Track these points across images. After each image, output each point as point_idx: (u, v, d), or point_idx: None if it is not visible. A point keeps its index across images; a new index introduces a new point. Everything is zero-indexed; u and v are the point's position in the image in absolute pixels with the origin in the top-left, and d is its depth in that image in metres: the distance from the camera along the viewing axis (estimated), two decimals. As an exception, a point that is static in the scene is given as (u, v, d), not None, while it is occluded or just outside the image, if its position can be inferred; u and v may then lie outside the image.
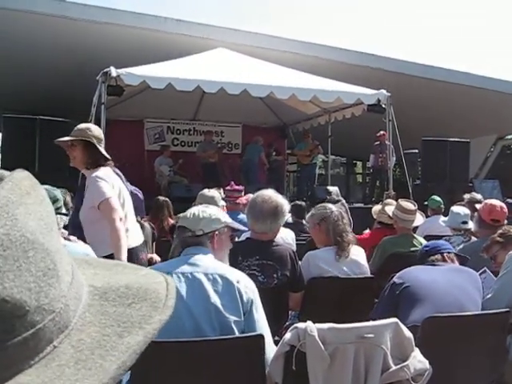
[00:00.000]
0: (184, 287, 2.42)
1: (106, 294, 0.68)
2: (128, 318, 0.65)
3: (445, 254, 3.30)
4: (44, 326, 0.57)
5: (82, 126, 3.87)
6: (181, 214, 2.78)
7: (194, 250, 2.59)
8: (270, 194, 3.58)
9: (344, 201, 7.46)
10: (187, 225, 2.64)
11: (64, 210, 3.31)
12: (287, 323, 3.69)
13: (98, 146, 3.74)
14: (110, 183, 3.68)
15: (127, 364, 0.61)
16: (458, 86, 14.64)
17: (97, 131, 3.84)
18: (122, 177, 4.01)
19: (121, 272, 0.74)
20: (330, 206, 4.00)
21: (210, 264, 2.54)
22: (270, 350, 2.42)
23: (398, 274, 3.23)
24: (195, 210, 2.70)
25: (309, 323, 2.29)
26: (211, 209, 2.75)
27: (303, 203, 7.26)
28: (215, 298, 2.41)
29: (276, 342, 3.11)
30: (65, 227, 3.44)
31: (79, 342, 0.61)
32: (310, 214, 4.06)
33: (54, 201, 3.18)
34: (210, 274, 2.47)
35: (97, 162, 3.78)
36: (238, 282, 2.49)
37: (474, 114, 15.48)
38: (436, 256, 3.30)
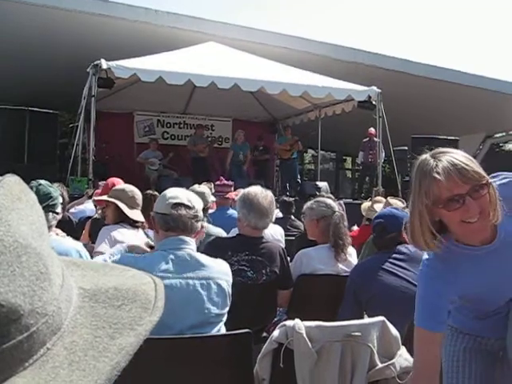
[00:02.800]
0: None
1: (95, 295, 0.68)
2: (119, 320, 0.66)
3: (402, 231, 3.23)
4: (38, 329, 0.58)
5: (119, 186, 4.10)
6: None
7: None
8: (261, 189, 3.60)
9: (333, 197, 7.48)
10: None
11: (59, 208, 3.31)
12: (275, 319, 3.71)
13: (125, 209, 3.91)
14: (112, 241, 3.78)
15: (121, 365, 0.62)
16: (448, 83, 14.70)
17: (130, 193, 3.99)
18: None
19: (108, 273, 0.75)
20: (330, 203, 3.98)
21: None
22: None
23: (357, 276, 3.27)
24: None
25: (297, 321, 2.31)
26: None
27: (291, 199, 7.29)
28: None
29: (264, 339, 3.14)
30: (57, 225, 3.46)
31: (72, 343, 0.62)
32: (308, 206, 3.98)
33: (49, 198, 3.17)
34: None
35: (123, 222, 3.96)
36: None
37: (463, 112, 15.56)
38: (393, 234, 3.28)
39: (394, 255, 3.25)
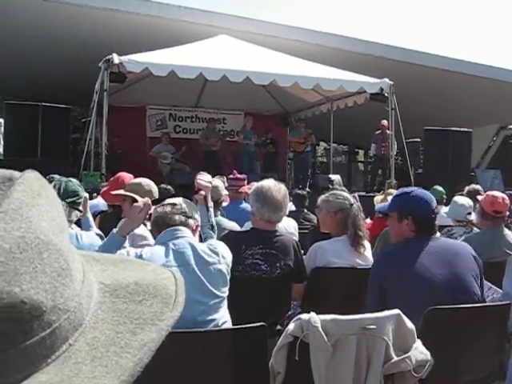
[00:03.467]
0: None
1: (116, 291, 0.68)
2: (140, 315, 0.66)
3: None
4: (60, 326, 0.59)
5: (136, 180, 4.10)
6: None
7: None
8: (275, 182, 3.60)
9: (347, 190, 7.46)
10: None
11: (81, 207, 3.45)
12: (289, 313, 3.72)
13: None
14: (131, 236, 3.77)
15: (144, 361, 0.62)
16: (462, 75, 14.59)
17: (147, 186, 4.01)
18: None
19: (128, 268, 0.75)
20: (347, 195, 3.96)
21: None
22: None
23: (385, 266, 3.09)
24: None
25: (312, 314, 2.30)
26: None
27: (304, 192, 7.27)
28: None
29: (278, 332, 3.15)
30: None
31: (94, 339, 0.62)
32: (324, 199, 3.94)
33: (75, 195, 3.31)
34: None
35: None
36: None
37: (476, 104, 15.43)
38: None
39: (423, 243, 3.13)
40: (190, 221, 2.77)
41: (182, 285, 0.73)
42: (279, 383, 2.38)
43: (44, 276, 0.57)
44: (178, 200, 2.84)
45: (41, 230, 0.58)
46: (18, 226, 0.57)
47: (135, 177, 4.74)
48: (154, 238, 2.84)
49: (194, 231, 2.83)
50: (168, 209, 2.73)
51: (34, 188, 0.61)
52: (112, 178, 4.99)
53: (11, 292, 0.54)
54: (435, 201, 3.22)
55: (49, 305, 0.57)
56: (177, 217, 2.71)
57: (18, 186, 0.60)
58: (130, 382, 0.61)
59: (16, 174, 0.63)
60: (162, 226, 2.71)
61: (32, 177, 0.63)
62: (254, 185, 3.75)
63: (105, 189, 4.96)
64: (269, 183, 3.57)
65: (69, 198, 3.38)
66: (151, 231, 2.86)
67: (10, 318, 0.54)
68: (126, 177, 4.66)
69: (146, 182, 4.04)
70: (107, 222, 4.29)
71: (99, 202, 6.79)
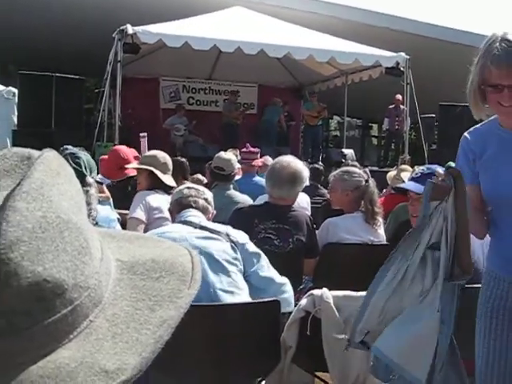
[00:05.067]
0: None
1: (133, 267, 0.69)
2: (158, 292, 0.66)
3: None
4: (81, 303, 0.59)
5: (150, 153, 4.09)
6: None
7: None
8: (289, 160, 3.59)
9: (358, 165, 7.42)
10: None
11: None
12: (301, 287, 3.74)
13: (160, 174, 3.91)
14: (147, 207, 3.77)
15: (164, 338, 0.63)
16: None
17: (162, 159, 4.00)
18: None
19: (144, 245, 0.75)
20: (360, 172, 3.93)
21: None
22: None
23: None
24: None
25: (324, 290, 2.33)
26: None
27: (321, 167, 7.24)
28: None
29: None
30: None
31: (113, 316, 0.63)
32: (338, 178, 3.91)
33: (92, 171, 3.36)
34: None
35: (157, 189, 3.95)
36: None
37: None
38: None
39: None
40: (210, 208, 2.85)
41: (198, 262, 0.73)
42: (290, 357, 2.41)
43: (65, 255, 0.58)
44: (201, 187, 2.94)
45: (61, 209, 0.59)
46: (40, 206, 0.57)
47: (148, 148, 4.74)
48: (172, 216, 2.88)
49: (209, 219, 2.89)
50: (193, 192, 2.81)
51: (53, 167, 0.62)
52: (110, 153, 4.90)
53: (35, 271, 0.55)
54: None
55: (70, 283, 0.58)
56: (200, 201, 2.78)
57: (38, 165, 0.60)
58: (151, 359, 0.61)
59: (34, 152, 0.63)
60: (184, 207, 2.76)
61: (51, 156, 0.63)
62: (271, 160, 3.76)
63: (103, 158, 4.87)
64: (284, 160, 3.57)
65: (92, 173, 3.42)
66: (170, 209, 2.91)
67: (34, 297, 0.55)
68: (126, 150, 4.64)
69: (161, 154, 4.05)
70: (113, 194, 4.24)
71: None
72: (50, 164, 0.62)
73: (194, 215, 2.68)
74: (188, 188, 2.87)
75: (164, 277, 0.68)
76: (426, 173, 3.23)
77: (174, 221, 2.87)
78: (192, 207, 2.74)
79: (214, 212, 2.93)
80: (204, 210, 2.77)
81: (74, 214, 0.61)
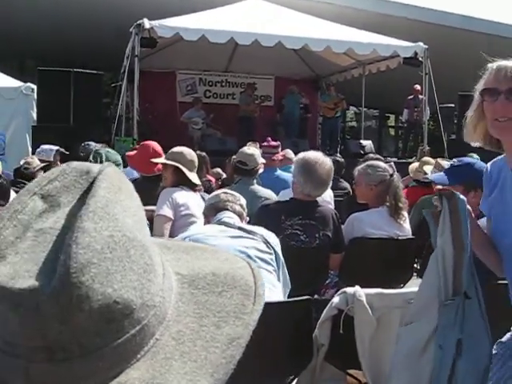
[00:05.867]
0: None
1: (194, 281, 0.67)
2: (222, 308, 0.65)
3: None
4: (148, 322, 0.59)
5: (177, 149, 4.05)
6: None
7: None
8: (322, 158, 3.56)
9: (382, 158, 7.35)
10: None
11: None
12: (327, 282, 3.75)
13: (186, 171, 3.89)
14: (174, 204, 3.75)
15: (236, 358, 0.61)
16: (499, 38, 14.19)
17: (189, 156, 3.99)
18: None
19: (201, 257, 0.73)
20: (385, 166, 3.90)
21: None
22: None
23: None
24: None
25: (357, 288, 2.32)
26: None
27: (342, 159, 7.17)
28: None
29: (316, 301, 3.17)
30: None
31: (179, 333, 0.62)
32: (362, 172, 3.88)
33: (117, 165, 3.40)
34: None
35: (183, 185, 3.92)
36: None
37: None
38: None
39: None
40: (244, 214, 2.88)
41: (260, 275, 0.72)
42: (323, 355, 2.41)
43: (132, 274, 0.57)
44: (237, 193, 2.97)
45: (126, 227, 0.58)
46: (107, 225, 0.56)
47: (166, 142, 4.72)
48: (206, 219, 2.92)
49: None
50: (230, 197, 2.84)
51: (115, 183, 0.61)
52: (140, 148, 4.95)
53: (105, 293, 0.54)
54: None
55: (138, 302, 0.57)
56: (237, 207, 2.81)
57: (101, 182, 0.60)
58: (225, 381, 0.60)
59: (92, 167, 0.63)
60: (220, 210, 2.80)
61: (112, 171, 0.62)
62: (299, 155, 3.72)
63: (131, 153, 4.93)
64: (315, 156, 3.54)
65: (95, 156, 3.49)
66: (205, 213, 2.94)
67: (104, 318, 0.55)
68: (156, 145, 4.67)
69: (187, 151, 4.05)
70: (140, 190, 4.27)
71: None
72: (112, 180, 0.61)
73: (229, 217, 2.69)
74: (225, 193, 2.90)
75: (226, 291, 0.67)
76: (456, 165, 3.22)
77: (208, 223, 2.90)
78: (228, 211, 2.76)
79: (248, 218, 2.93)
80: (239, 215, 2.79)
81: (137, 230, 0.60)
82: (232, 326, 0.64)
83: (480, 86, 1.84)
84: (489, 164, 2.02)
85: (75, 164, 0.64)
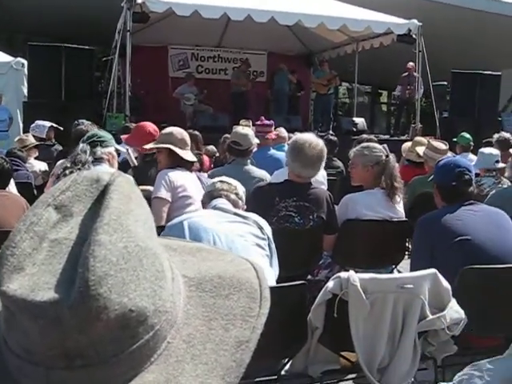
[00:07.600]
0: None
1: (201, 284, 0.69)
2: (229, 311, 0.67)
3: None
4: (160, 327, 0.61)
5: (167, 130, 4.02)
6: None
7: None
8: (314, 139, 3.57)
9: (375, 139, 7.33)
10: None
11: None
12: (320, 262, 3.78)
13: (179, 151, 3.87)
14: (171, 186, 3.75)
15: (246, 361, 0.63)
16: (492, 15, 14.08)
17: (180, 135, 3.96)
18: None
19: (207, 258, 0.75)
20: (381, 147, 3.90)
21: None
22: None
23: (426, 225, 3.09)
24: None
25: (351, 273, 2.34)
26: None
27: (335, 138, 7.13)
28: None
29: (310, 281, 3.20)
30: None
31: (189, 336, 0.64)
32: (358, 154, 3.87)
33: (104, 141, 3.57)
34: None
35: (178, 166, 3.91)
36: None
37: (506, 46, 14.94)
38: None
39: (468, 207, 3.09)
40: (240, 202, 2.87)
41: (265, 277, 0.73)
42: (317, 337, 2.45)
43: (145, 282, 0.59)
44: (235, 181, 2.96)
45: (139, 237, 0.60)
46: (121, 237, 0.58)
47: (159, 118, 4.70)
48: (203, 207, 2.94)
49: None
50: (225, 186, 2.84)
51: (126, 193, 0.63)
52: (135, 129, 4.93)
53: (121, 303, 0.56)
54: (468, 168, 3.18)
55: (151, 309, 0.59)
56: (232, 196, 2.81)
57: (113, 193, 0.61)
58: None
59: (102, 175, 0.64)
60: (215, 198, 2.80)
61: (123, 181, 0.64)
62: (293, 136, 3.73)
63: (126, 136, 4.93)
64: (306, 138, 3.55)
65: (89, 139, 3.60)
66: (203, 200, 2.97)
67: (120, 326, 0.57)
68: (150, 126, 4.64)
69: (177, 130, 4.02)
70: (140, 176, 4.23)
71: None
72: (123, 190, 0.63)
73: (223, 203, 2.70)
74: (221, 182, 2.90)
75: (233, 294, 0.68)
76: None
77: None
78: (222, 198, 2.78)
79: (245, 207, 2.94)
80: (234, 203, 2.79)
81: (148, 238, 0.62)
82: (240, 329, 0.66)
83: None
84: None
85: (86, 173, 0.65)
